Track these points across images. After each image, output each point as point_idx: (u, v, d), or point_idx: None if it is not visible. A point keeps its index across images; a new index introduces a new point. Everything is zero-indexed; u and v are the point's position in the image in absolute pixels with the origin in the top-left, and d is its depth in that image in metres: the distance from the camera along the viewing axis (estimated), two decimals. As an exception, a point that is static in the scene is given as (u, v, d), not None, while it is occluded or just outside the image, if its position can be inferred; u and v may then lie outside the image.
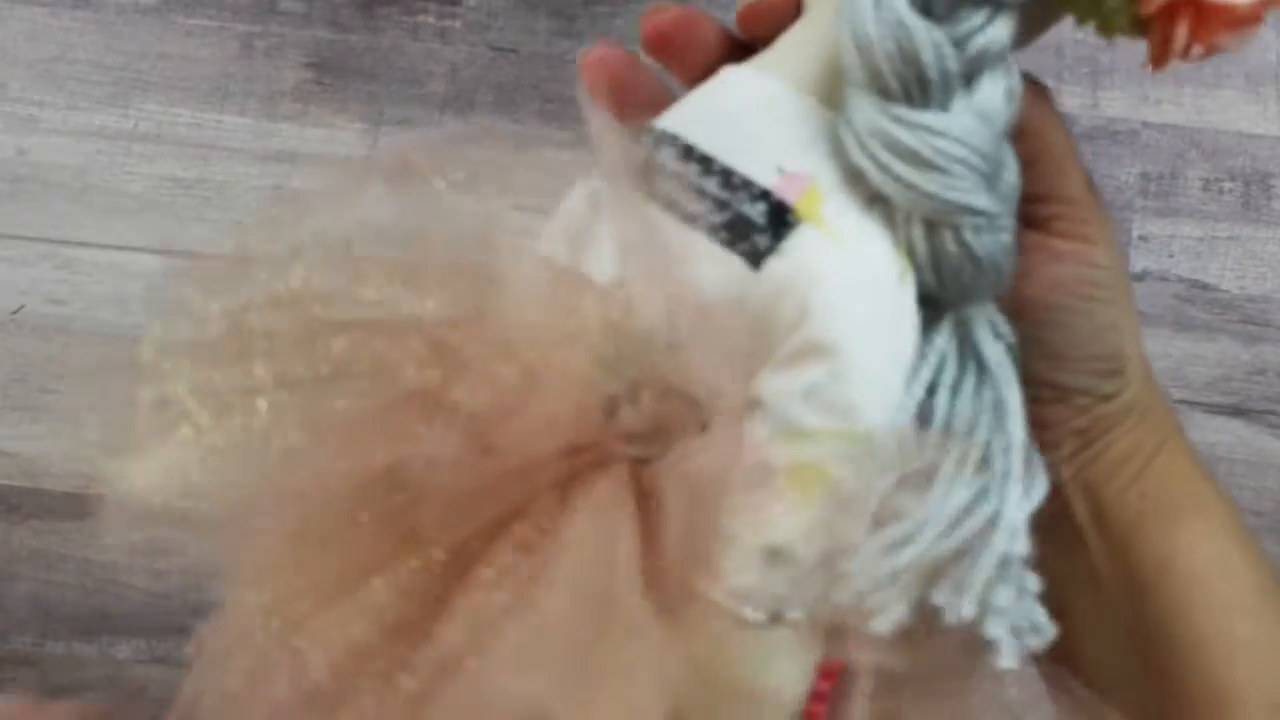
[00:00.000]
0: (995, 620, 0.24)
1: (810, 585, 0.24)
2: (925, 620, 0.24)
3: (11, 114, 0.95)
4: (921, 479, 0.25)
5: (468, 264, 0.25)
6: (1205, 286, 0.91)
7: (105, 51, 0.96)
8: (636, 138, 0.26)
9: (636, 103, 0.30)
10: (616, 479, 0.24)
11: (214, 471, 0.24)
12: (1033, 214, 0.29)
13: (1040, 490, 0.26)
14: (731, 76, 0.28)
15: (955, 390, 0.27)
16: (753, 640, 0.24)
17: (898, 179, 0.25)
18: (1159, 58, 0.27)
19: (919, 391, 0.26)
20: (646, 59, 0.31)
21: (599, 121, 0.25)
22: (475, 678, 0.22)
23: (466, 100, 0.95)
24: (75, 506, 0.87)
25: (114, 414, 0.25)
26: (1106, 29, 0.27)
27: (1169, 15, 0.26)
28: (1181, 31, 0.26)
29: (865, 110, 0.25)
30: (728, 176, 0.26)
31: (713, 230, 0.25)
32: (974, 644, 0.24)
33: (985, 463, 0.26)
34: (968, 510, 0.25)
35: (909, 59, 0.25)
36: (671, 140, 0.27)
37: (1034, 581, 0.25)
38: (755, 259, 0.25)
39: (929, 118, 0.25)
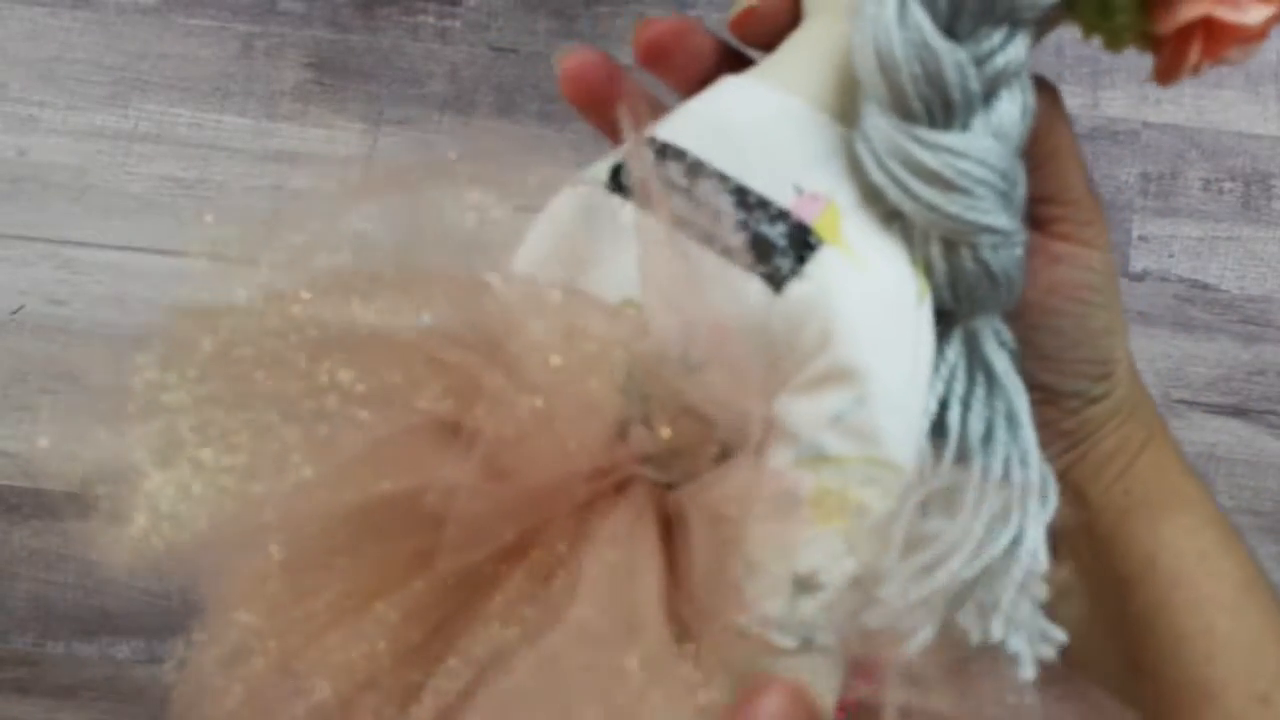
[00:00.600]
0: (1016, 635, 0.24)
1: (840, 611, 0.24)
2: (948, 640, 0.24)
3: (11, 114, 0.94)
4: (944, 499, 0.25)
5: (469, 279, 0.24)
6: (1205, 286, 0.91)
7: (105, 51, 0.96)
8: (639, 150, 0.26)
9: (615, 112, 0.30)
10: (637, 504, 0.24)
11: (215, 508, 0.23)
12: (1036, 214, 0.29)
13: (1053, 500, 0.26)
14: (734, 86, 0.27)
15: (967, 403, 0.27)
16: (783, 668, 0.24)
17: (918, 199, 0.25)
18: (1168, 73, 0.27)
19: (933, 406, 0.26)
20: (635, 67, 0.30)
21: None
22: (485, 712, 0.22)
23: (466, 100, 0.95)
24: (75, 506, 0.87)
25: (113, 421, 0.24)
26: (1114, 44, 0.27)
27: (1184, 35, 0.26)
28: (1195, 51, 0.26)
29: (884, 128, 0.25)
30: (743, 195, 0.25)
31: (730, 251, 0.25)
32: (989, 656, 0.24)
33: (1005, 478, 0.26)
34: (992, 530, 0.25)
35: (934, 81, 0.25)
36: (678, 155, 0.26)
37: (1045, 591, 0.25)
38: (777, 282, 0.25)
39: (950, 139, 0.25)
